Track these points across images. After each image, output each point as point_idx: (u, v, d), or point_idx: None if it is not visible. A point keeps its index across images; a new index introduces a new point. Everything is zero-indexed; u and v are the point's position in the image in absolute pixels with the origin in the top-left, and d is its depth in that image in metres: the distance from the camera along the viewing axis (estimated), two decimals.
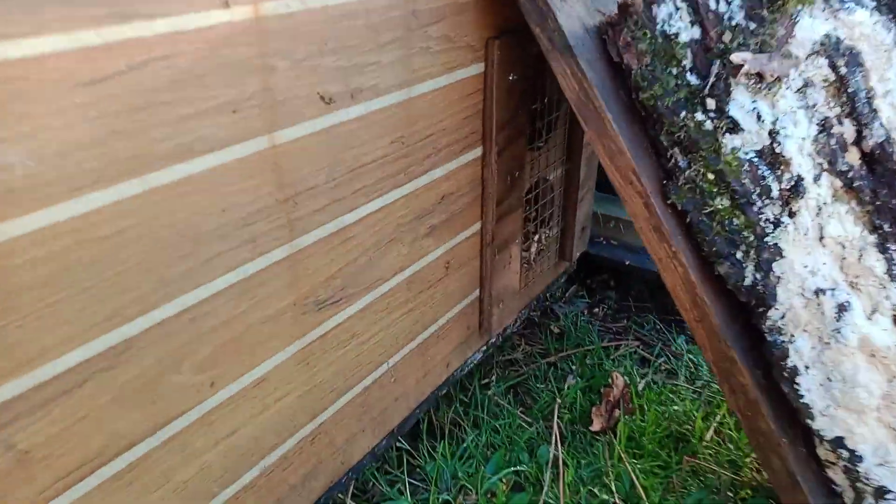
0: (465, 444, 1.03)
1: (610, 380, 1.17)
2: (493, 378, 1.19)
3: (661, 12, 0.75)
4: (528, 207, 1.03)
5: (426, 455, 1.01)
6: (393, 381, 0.86)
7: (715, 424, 1.09)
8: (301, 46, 0.58)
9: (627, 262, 1.44)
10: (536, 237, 1.11)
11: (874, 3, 0.77)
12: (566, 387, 1.18)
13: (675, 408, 1.13)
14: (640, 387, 1.18)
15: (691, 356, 1.29)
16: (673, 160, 0.76)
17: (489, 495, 0.94)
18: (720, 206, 0.75)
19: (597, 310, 1.48)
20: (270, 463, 0.70)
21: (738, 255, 0.75)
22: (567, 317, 1.41)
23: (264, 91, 0.56)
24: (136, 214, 0.50)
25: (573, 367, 1.24)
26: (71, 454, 0.51)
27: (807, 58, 0.73)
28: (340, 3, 0.61)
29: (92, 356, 0.50)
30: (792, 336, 0.75)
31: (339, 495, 0.90)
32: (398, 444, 1.01)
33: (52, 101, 0.43)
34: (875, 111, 0.74)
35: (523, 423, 1.09)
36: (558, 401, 1.13)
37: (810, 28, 0.73)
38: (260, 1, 0.53)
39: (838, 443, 0.75)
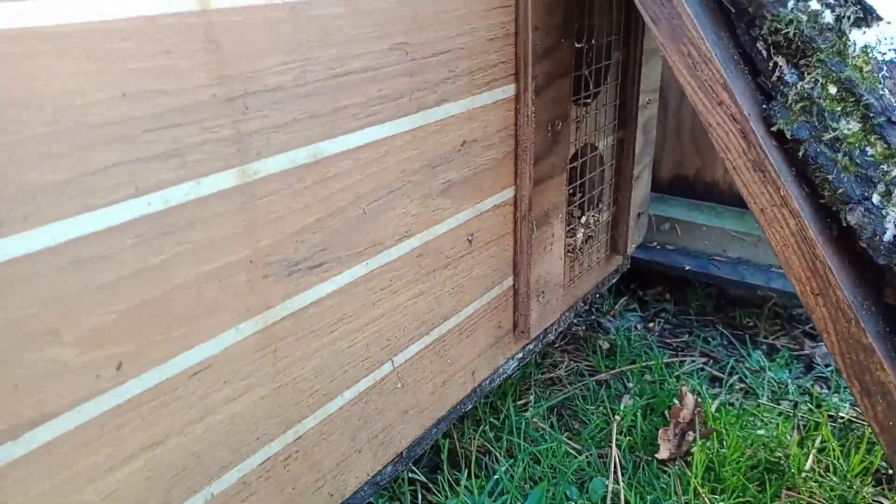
0: (496, 476, 0.80)
1: (677, 399, 0.94)
2: (532, 397, 0.97)
3: None
4: (574, 181, 0.82)
5: (446, 489, 0.78)
6: (400, 387, 0.65)
7: (814, 451, 0.85)
8: None
9: (687, 268, 1.22)
10: (583, 220, 0.90)
11: None
12: (622, 407, 0.95)
13: (761, 432, 0.89)
14: (714, 407, 0.95)
15: (773, 374, 1.05)
16: (777, 73, 0.55)
17: None
18: (847, 131, 0.53)
19: (652, 324, 1.25)
20: (219, 492, 0.49)
21: (875, 198, 0.53)
22: (618, 331, 1.18)
23: None
24: None
25: (629, 386, 1.01)
26: None
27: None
28: None
29: None
30: None
31: None
32: (411, 475, 0.79)
33: None
34: None
35: (570, 451, 0.86)
36: (614, 423, 0.90)
37: None
38: None
39: None
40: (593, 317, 1.25)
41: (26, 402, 0.37)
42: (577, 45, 0.75)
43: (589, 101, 0.83)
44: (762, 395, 0.99)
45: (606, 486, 0.79)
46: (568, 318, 0.96)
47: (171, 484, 0.46)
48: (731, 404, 0.97)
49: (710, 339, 1.18)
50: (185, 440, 0.46)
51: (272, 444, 0.53)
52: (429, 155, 0.60)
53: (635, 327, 1.23)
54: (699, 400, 0.93)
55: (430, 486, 0.79)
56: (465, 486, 0.78)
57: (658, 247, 1.29)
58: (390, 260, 0.59)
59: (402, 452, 0.67)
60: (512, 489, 0.78)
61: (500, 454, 0.85)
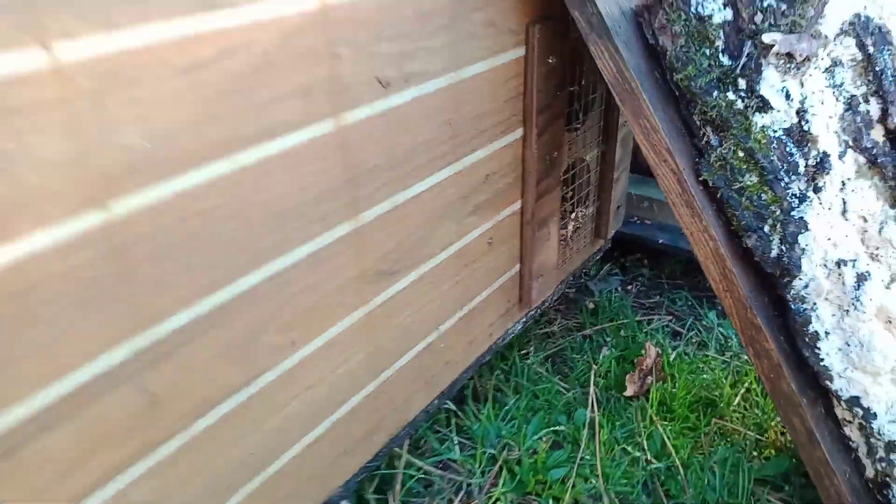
0: (507, 407, 1.09)
1: (643, 350, 1.22)
2: (532, 349, 1.25)
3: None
4: (566, 187, 1.08)
5: (472, 416, 1.07)
6: (442, 346, 0.92)
7: (742, 391, 1.13)
8: (361, 34, 0.64)
9: (660, 241, 1.48)
10: (573, 216, 1.16)
11: None
12: (601, 357, 1.23)
13: (705, 376, 1.18)
14: (672, 357, 1.23)
15: (721, 329, 1.33)
16: (705, 138, 0.81)
17: (531, 452, 1.00)
18: (749, 183, 0.79)
19: (630, 287, 1.52)
20: (340, 416, 0.77)
21: (766, 228, 0.80)
22: (602, 293, 1.46)
23: (330, 77, 0.62)
24: (228, 191, 0.56)
25: (607, 339, 1.30)
26: (186, 400, 0.58)
27: (835, 37, 0.77)
28: None
29: (197, 317, 0.57)
30: (814, 304, 0.79)
31: (397, 449, 0.97)
32: (447, 406, 1.08)
33: (158, 87, 0.49)
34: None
35: (561, 390, 1.15)
36: (594, 368, 1.19)
37: (840, 7, 0.76)
38: None
39: (854, 402, 0.80)
40: (582, 281, 1.52)
41: (252, 366, 0.64)
42: (570, 90, 1.00)
43: (579, 126, 1.08)
44: (711, 348, 1.28)
45: (587, 416, 1.08)
46: (561, 289, 1.23)
47: (317, 412, 0.74)
48: (687, 354, 1.26)
49: (677, 300, 1.45)
50: (323, 386, 0.74)
51: (368, 387, 0.81)
52: (464, 189, 0.86)
53: (616, 289, 1.50)
54: (660, 352, 1.21)
55: (459, 413, 1.08)
56: (485, 415, 1.07)
57: (638, 221, 1.55)
58: (436, 264, 0.86)
59: (444, 391, 0.96)
60: (518, 417, 1.07)
61: (509, 391, 1.14)
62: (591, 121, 1.11)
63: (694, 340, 1.31)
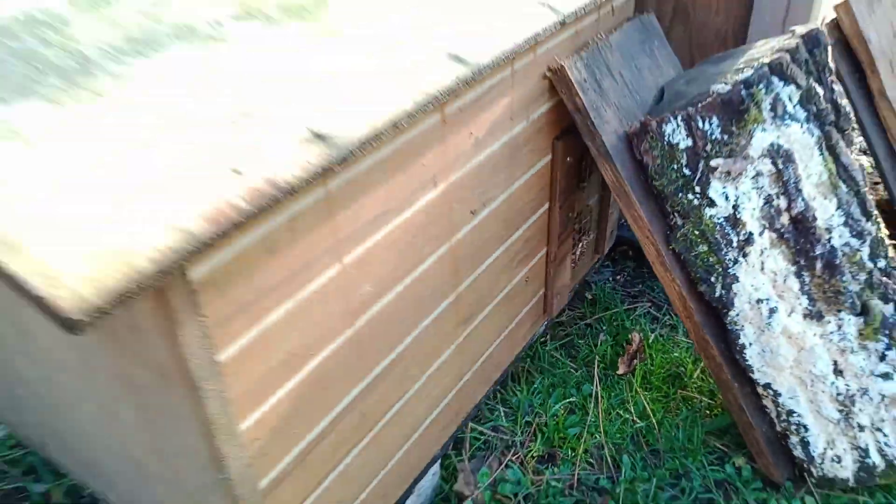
0: (534, 385, 1.54)
1: (630, 337, 1.67)
2: (549, 338, 1.70)
3: (668, 129, 1.19)
4: (577, 226, 1.50)
5: (512, 393, 1.53)
6: (496, 354, 1.36)
7: (700, 368, 1.59)
8: (464, 192, 1.04)
9: None
10: (580, 244, 1.58)
11: (805, 115, 1.21)
12: (599, 342, 1.68)
13: (675, 355, 1.63)
14: (651, 339, 1.68)
15: None
16: (673, 221, 1.23)
17: (553, 417, 1.46)
18: (701, 251, 1.22)
19: (619, 277, 1.96)
20: (444, 406, 1.22)
21: (712, 279, 1.23)
22: (597, 284, 1.89)
23: (449, 222, 1.03)
24: (403, 291, 0.98)
25: (603, 327, 1.74)
26: (384, 405, 1.01)
27: (759, 157, 1.18)
28: (481, 159, 1.06)
29: (390, 361, 0.99)
30: (742, 326, 1.23)
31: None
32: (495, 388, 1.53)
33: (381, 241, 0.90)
34: (800, 190, 1.19)
35: (571, 370, 1.60)
36: (595, 353, 1.64)
37: (762, 138, 1.17)
38: (450, 181, 1.00)
39: (767, 386, 1.25)
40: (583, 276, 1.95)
41: (448, 341, 1.07)
42: (581, 165, 1.40)
43: (585, 185, 1.49)
44: (679, 332, 1.73)
45: (591, 389, 1.54)
46: (571, 295, 1.67)
47: (468, 367, 1.18)
48: (661, 336, 1.71)
49: (655, 288, 1.89)
50: (441, 387, 1.17)
51: (455, 387, 1.25)
52: (511, 253, 1.28)
53: (608, 280, 1.94)
54: (642, 338, 1.66)
55: (504, 392, 1.53)
56: (521, 391, 1.52)
57: (625, 223, 1.97)
58: (495, 304, 1.28)
59: (495, 381, 1.40)
60: (543, 391, 1.53)
61: (535, 373, 1.59)
62: (594, 179, 1.51)
63: (667, 324, 1.76)
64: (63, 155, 0.61)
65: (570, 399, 1.51)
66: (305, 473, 0.91)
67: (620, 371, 1.59)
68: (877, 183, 2.25)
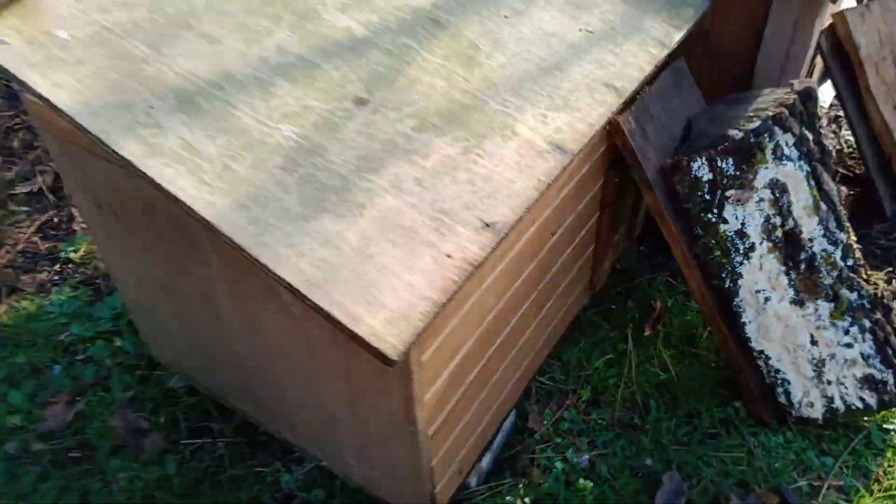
0: (581, 345, 2.00)
1: (653, 303, 2.12)
2: (589, 304, 2.15)
3: (695, 165, 1.59)
4: (618, 224, 1.92)
5: (564, 351, 1.99)
6: (560, 319, 1.81)
7: (708, 331, 2.04)
8: (551, 221, 1.46)
9: None
10: (617, 235, 2.01)
11: (797, 155, 1.61)
12: (628, 308, 2.13)
13: (688, 318, 2.08)
14: (669, 304, 2.13)
15: None
16: (696, 233, 1.65)
17: (596, 370, 1.93)
18: (716, 255, 1.64)
19: (642, 248, 2.38)
20: (526, 365, 1.67)
21: (723, 275, 1.66)
22: (625, 257, 2.32)
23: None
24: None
25: (631, 295, 2.18)
26: None
27: (761, 188, 1.59)
28: (563, 197, 1.47)
29: None
30: (744, 309, 1.68)
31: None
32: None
33: None
34: (791, 212, 1.61)
35: (608, 332, 2.05)
36: (626, 318, 2.09)
37: (764, 175, 1.58)
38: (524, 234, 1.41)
39: (761, 352, 1.71)
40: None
41: None
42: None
43: (626, 197, 1.89)
44: (691, 299, 2.17)
45: (626, 348, 2.00)
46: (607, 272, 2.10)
47: None
48: (678, 302, 2.15)
49: (672, 260, 2.33)
50: (524, 351, 1.62)
51: (533, 351, 1.70)
52: (575, 251, 1.70)
53: (634, 251, 2.36)
54: (663, 305, 2.11)
55: (556, 350, 1.99)
56: (570, 350, 1.98)
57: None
58: (562, 289, 1.72)
59: (555, 344, 1.86)
60: (587, 350, 1.98)
61: (580, 336, 2.04)
62: (630, 188, 1.92)
63: (682, 291, 2.20)
64: (360, 250, 1.03)
65: (609, 356, 1.97)
66: (451, 422, 1.37)
67: (646, 333, 2.04)
68: (858, 159, 2.66)
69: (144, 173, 1.01)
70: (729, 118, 1.69)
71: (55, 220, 2.44)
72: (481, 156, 1.21)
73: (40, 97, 1.05)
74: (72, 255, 2.27)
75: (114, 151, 1.02)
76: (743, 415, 1.83)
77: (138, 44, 1.16)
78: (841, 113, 2.76)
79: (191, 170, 1.03)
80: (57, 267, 2.26)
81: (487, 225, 1.11)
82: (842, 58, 2.33)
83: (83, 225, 2.41)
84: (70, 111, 1.04)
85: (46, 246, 2.34)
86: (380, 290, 0.99)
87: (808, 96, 1.61)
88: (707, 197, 1.60)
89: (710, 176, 1.58)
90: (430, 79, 1.29)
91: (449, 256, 1.05)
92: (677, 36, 1.59)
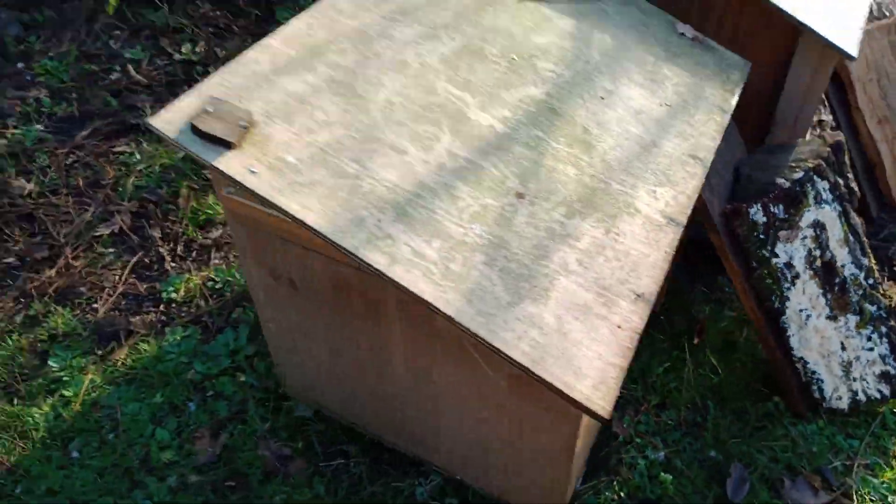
0: (642, 357, 2.36)
1: (696, 315, 2.50)
2: None
3: (752, 211, 1.95)
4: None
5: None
6: None
7: (744, 336, 2.44)
8: None
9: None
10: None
11: (832, 198, 1.99)
12: (674, 320, 2.50)
13: (723, 325, 2.47)
14: (707, 311, 2.51)
15: (732, 292, 2.61)
16: (753, 265, 2.01)
17: (658, 377, 2.29)
18: (768, 282, 2.01)
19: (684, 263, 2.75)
20: None
21: (773, 298, 2.03)
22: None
23: None
24: None
25: (676, 308, 2.56)
26: None
27: (805, 228, 1.97)
28: None
29: None
30: (789, 325, 2.06)
31: None
32: None
33: None
34: (828, 246, 1.99)
35: (663, 341, 2.42)
36: (677, 327, 2.46)
37: (808, 217, 1.96)
38: None
39: (801, 359, 2.10)
40: None
41: None
42: None
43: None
44: (725, 308, 2.55)
45: (679, 355, 2.37)
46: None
47: None
48: (716, 311, 2.53)
49: (707, 274, 2.70)
50: None
51: None
52: None
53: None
54: (704, 316, 2.48)
55: None
56: (634, 360, 2.34)
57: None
58: None
59: None
60: (647, 359, 2.35)
61: (640, 348, 2.40)
62: None
63: (717, 299, 2.59)
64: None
65: (667, 364, 2.34)
66: (585, 438, 1.71)
67: (695, 342, 2.42)
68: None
69: (394, 280, 1.30)
70: (772, 167, 2.05)
71: (146, 260, 2.66)
72: (619, 234, 1.53)
73: (294, 219, 1.32)
74: (173, 295, 2.51)
75: (366, 263, 1.30)
76: (782, 408, 2.23)
77: (348, 161, 1.44)
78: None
79: (424, 273, 1.32)
80: (161, 308, 2.49)
81: (639, 296, 1.44)
82: (835, 79, 2.73)
83: (172, 264, 2.64)
84: (323, 231, 1.31)
85: (145, 287, 2.56)
86: (579, 361, 1.31)
87: (839, 148, 1.99)
88: (762, 237, 1.97)
89: (765, 219, 1.95)
90: (563, 167, 1.60)
91: (619, 327, 1.38)
92: (733, 101, 1.93)
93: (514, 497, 1.87)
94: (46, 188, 2.91)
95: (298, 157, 1.41)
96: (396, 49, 1.68)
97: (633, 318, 1.40)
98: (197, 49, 3.59)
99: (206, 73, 3.50)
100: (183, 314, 2.46)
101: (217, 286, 2.55)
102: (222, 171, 1.34)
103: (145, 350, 2.33)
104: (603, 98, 1.79)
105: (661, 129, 1.79)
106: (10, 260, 2.64)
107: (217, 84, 1.46)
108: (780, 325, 2.07)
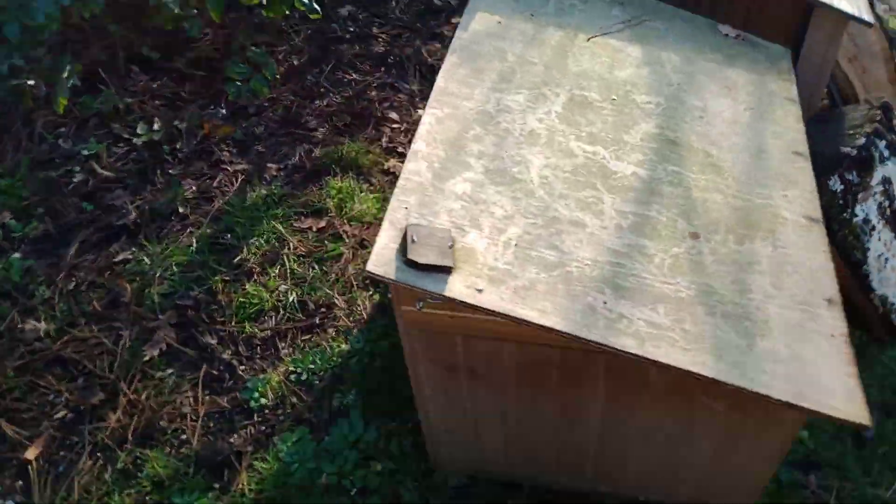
0: None
1: None
2: None
3: (830, 182, 2.12)
4: None
5: None
6: None
7: None
8: None
9: None
10: None
11: (889, 153, 2.19)
12: None
13: None
14: None
15: None
16: (834, 228, 2.19)
17: None
18: (850, 239, 2.21)
19: None
20: None
21: (856, 251, 2.23)
22: None
23: None
24: None
25: None
26: None
27: (875, 185, 2.16)
28: None
29: None
30: (871, 271, 2.27)
31: None
32: None
33: None
34: (894, 195, 2.20)
35: None
36: None
37: (876, 176, 2.16)
38: None
39: (881, 296, 2.33)
40: None
41: None
42: None
43: None
44: None
45: None
46: None
47: None
48: None
49: None
50: None
51: None
52: None
53: None
54: None
55: None
56: None
57: None
58: None
59: None
60: None
61: None
62: None
63: None
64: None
65: None
66: None
67: None
68: None
69: (648, 359, 1.34)
70: (829, 138, 2.23)
71: (212, 372, 2.53)
72: (783, 247, 1.64)
73: (537, 325, 1.34)
74: (262, 401, 2.41)
75: (618, 350, 1.34)
76: (866, 340, 2.46)
77: (545, 250, 1.46)
78: None
79: (670, 344, 1.38)
80: (256, 417, 2.39)
81: (830, 301, 1.56)
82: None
83: (242, 367, 2.52)
84: (569, 330, 1.33)
85: (226, 400, 2.45)
86: (825, 381, 1.41)
87: (888, 108, 2.19)
88: (841, 202, 2.15)
89: (842, 186, 2.13)
90: (709, 195, 1.69)
91: (832, 336, 1.49)
92: (794, 89, 2.08)
93: (704, 499, 1.98)
94: (63, 323, 2.68)
95: (506, 261, 1.41)
96: (519, 120, 1.69)
97: (836, 323, 1.52)
98: (155, 127, 3.38)
99: (174, 152, 3.31)
100: (282, 417, 2.38)
101: (302, 377, 2.47)
102: (450, 297, 1.32)
103: (263, 468, 2.24)
104: (702, 117, 1.88)
105: (757, 134, 1.91)
106: (63, 414, 2.44)
107: (400, 208, 1.43)
108: (863, 272, 2.28)
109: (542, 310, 1.35)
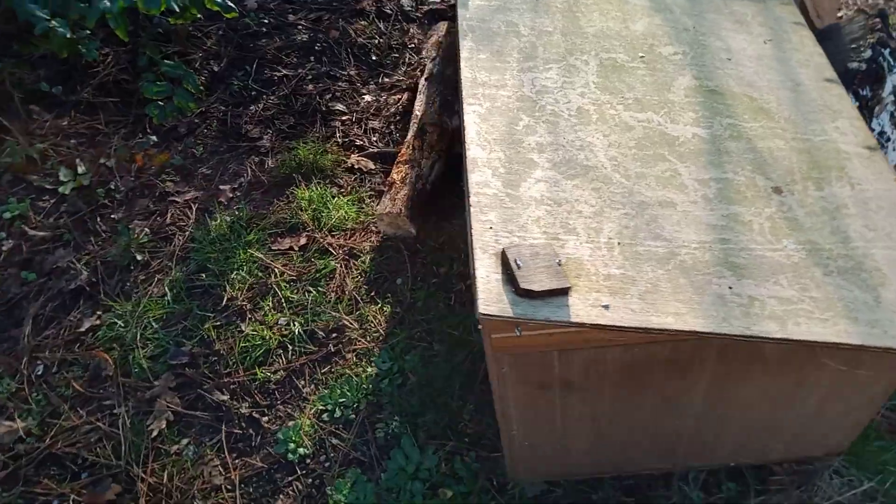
0: None
1: None
2: None
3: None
4: None
5: None
6: None
7: None
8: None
9: None
10: None
11: (894, 59, 2.17)
12: None
13: None
14: None
15: None
16: None
17: None
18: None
19: None
20: None
21: None
22: None
23: None
24: None
25: None
26: None
27: (887, 96, 2.14)
28: None
29: None
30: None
31: None
32: None
33: None
34: None
35: None
36: None
37: (887, 86, 2.13)
38: None
39: None
40: None
41: None
42: None
43: None
44: None
45: None
46: None
47: None
48: None
49: None
50: None
51: None
52: None
53: None
54: None
55: None
56: None
57: None
58: None
59: None
60: None
61: None
62: None
63: None
64: None
65: None
66: None
67: None
68: None
69: (795, 340, 1.24)
70: (832, 54, 2.17)
71: (236, 431, 2.30)
72: (859, 182, 1.57)
73: (678, 332, 1.21)
74: (300, 451, 2.21)
75: (765, 338, 1.23)
76: None
77: (649, 241, 1.32)
78: None
79: (807, 317, 1.28)
80: (299, 471, 2.19)
81: None
82: None
83: (266, 419, 2.31)
84: (708, 329, 1.21)
85: (260, 459, 2.23)
86: None
87: (884, 15, 2.15)
88: (864, 112, 2.11)
89: (857, 103, 2.08)
90: (772, 143, 1.59)
91: None
92: (796, 10, 2.00)
93: (794, 453, 1.94)
94: (44, 416, 2.37)
95: (618, 266, 1.27)
96: (562, 99, 1.54)
97: None
98: (80, 171, 3.01)
99: (110, 194, 2.97)
100: (327, 464, 2.19)
101: (335, 414, 2.28)
102: (579, 322, 1.17)
103: None
104: (729, 59, 1.77)
105: (785, 66, 1.82)
106: None
107: (485, 230, 1.25)
108: None
109: (677, 312, 1.22)
